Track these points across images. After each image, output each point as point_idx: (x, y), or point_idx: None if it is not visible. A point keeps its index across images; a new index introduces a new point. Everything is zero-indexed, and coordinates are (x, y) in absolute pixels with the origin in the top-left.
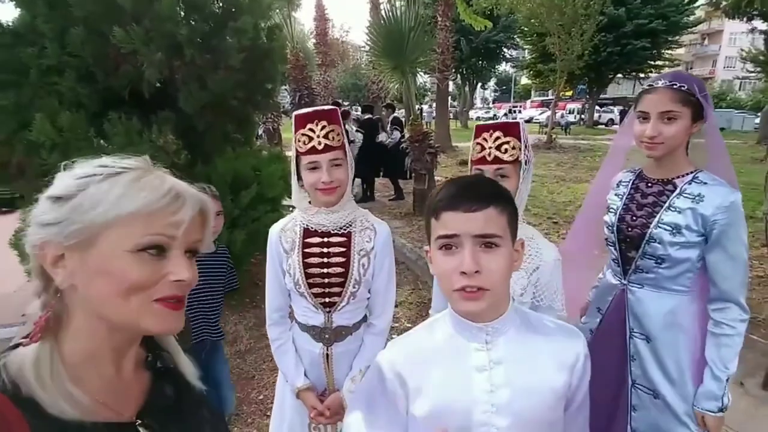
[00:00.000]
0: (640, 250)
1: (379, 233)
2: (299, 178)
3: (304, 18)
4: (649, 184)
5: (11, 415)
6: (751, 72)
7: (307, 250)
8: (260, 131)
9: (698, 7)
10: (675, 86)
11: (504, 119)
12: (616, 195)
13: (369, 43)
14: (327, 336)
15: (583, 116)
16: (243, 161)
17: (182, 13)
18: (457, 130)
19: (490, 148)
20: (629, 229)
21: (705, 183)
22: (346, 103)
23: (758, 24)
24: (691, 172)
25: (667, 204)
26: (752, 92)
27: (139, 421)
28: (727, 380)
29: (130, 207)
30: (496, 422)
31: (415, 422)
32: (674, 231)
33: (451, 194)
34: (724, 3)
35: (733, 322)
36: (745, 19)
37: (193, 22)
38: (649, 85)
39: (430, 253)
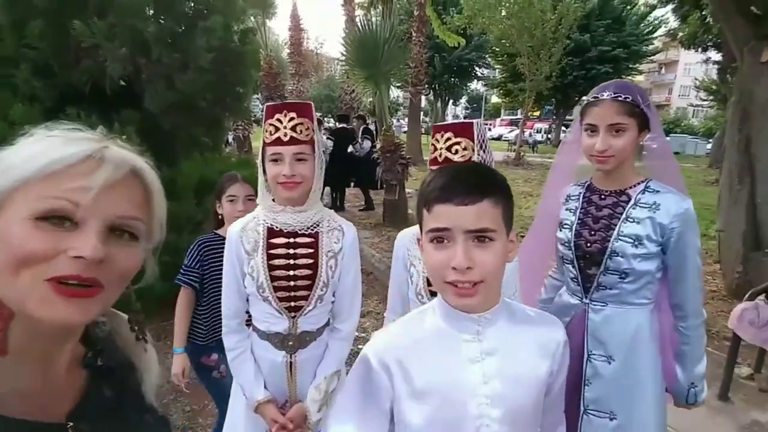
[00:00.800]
0: (602, 265)
1: (346, 234)
2: (264, 171)
3: (279, 28)
4: (602, 197)
5: None
6: (704, 100)
7: (271, 251)
8: (230, 138)
9: (656, 38)
10: (620, 98)
11: None
12: (567, 210)
13: (344, 53)
14: (291, 343)
15: (549, 136)
16: (210, 166)
17: (151, 11)
18: (428, 144)
19: (440, 149)
20: (588, 245)
21: (657, 191)
22: (318, 114)
23: (712, 55)
24: (642, 182)
25: (624, 215)
26: (704, 119)
27: (71, 424)
28: (694, 383)
29: (34, 165)
30: (490, 413)
31: (402, 415)
32: (636, 242)
33: (444, 185)
34: (680, 34)
35: (693, 327)
36: (700, 49)
37: (162, 21)
38: (594, 97)
39: (422, 242)
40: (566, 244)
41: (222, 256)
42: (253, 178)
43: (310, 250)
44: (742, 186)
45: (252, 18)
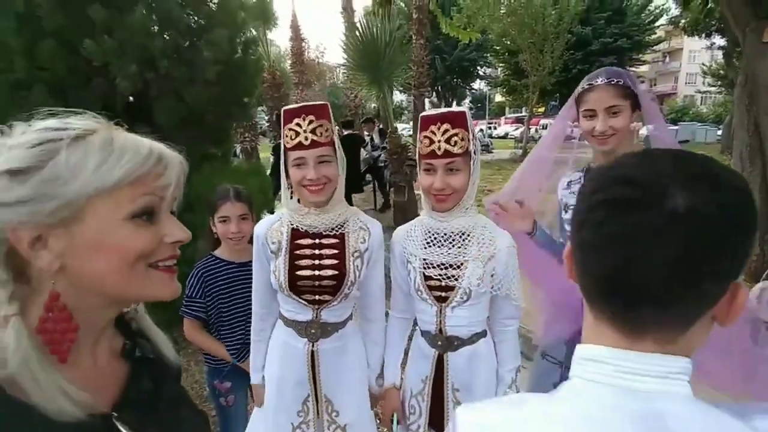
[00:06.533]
0: None
1: (373, 234)
2: (288, 175)
3: (280, 39)
4: None
5: None
6: (712, 86)
7: (297, 252)
8: (237, 150)
9: (659, 27)
10: (613, 82)
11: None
12: (570, 193)
13: (346, 57)
14: (313, 331)
15: None
16: (220, 177)
17: (155, 27)
18: None
19: (439, 141)
20: None
21: None
22: None
23: (717, 40)
24: None
25: None
26: (713, 106)
27: (116, 414)
28: None
29: (116, 175)
30: None
31: None
32: None
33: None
34: (683, 21)
35: None
36: (703, 35)
37: (166, 36)
38: (589, 84)
39: None
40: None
41: (223, 280)
42: (260, 188)
43: (336, 251)
44: (753, 168)
45: (253, 30)
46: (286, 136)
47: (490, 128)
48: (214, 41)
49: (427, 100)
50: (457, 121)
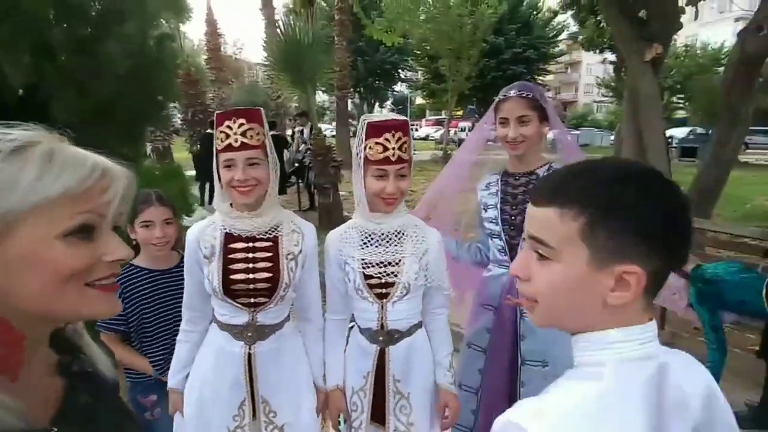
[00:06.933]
0: (525, 232)
1: (306, 236)
2: (219, 178)
3: (194, 33)
4: (516, 178)
5: None
6: (606, 96)
7: (230, 256)
8: (148, 150)
9: (561, 40)
10: (524, 95)
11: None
12: (489, 194)
13: (267, 57)
14: (249, 334)
15: None
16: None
17: (52, 15)
18: None
19: (393, 148)
20: (512, 218)
21: None
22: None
23: (609, 55)
24: (547, 164)
25: None
26: (607, 114)
27: (55, 429)
28: None
29: (55, 190)
30: None
31: None
32: None
33: None
34: (580, 37)
35: None
36: (598, 50)
37: (66, 25)
38: (504, 95)
39: None
40: (493, 221)
41: (145, 289)
42: (179, 190)
43: (270, 254)
44: None
45: (165, 22)
46: (218, 139)
47: (411, 130)
48: (124, 33)
49: (349, 101)
50: (405, 129)
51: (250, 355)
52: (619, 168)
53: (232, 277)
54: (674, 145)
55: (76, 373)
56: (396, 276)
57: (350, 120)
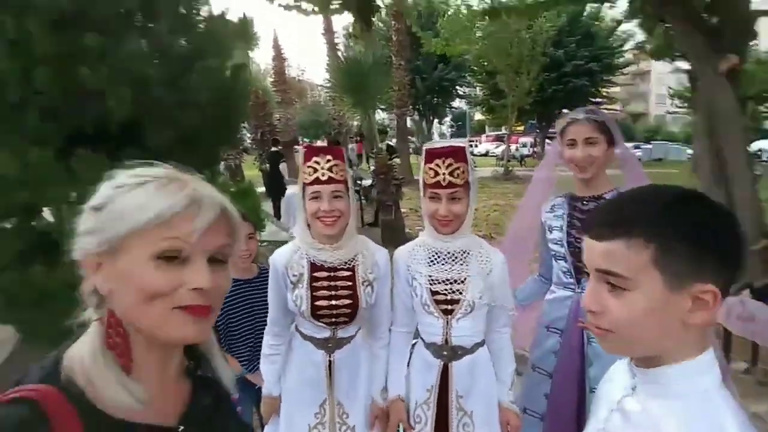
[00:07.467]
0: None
1: (379, 262)
2: (304, 209)
3: (260, 58)
4: (584, 202)
5: (67, 414)
6: (680, 107)
7: (315, 284)
8: (221, 168)
9: (627, 50)
10: (592, 118)
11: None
12: (555, 216)
13: (330, 80)
14: (330, 345)
15: (535, 149)
16: None
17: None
18: (417, 164)
19: (443, 174)
20: (578, 241)
21: None
22: (306, 139)
23: (681, 64)
24: (614, 189)
25: None
26: (683, 126)
27: (182, 427)
28: None
29: (147, 215)
30: None
31: None
32: None
33: None
34: (648, 46)
35: None
36: (669, 60)
37: (156, 62)
38: (572, 119)
39: None
40: (559, 242)
41: (233, 296)
42: (251, 206)
43: (349, 282)
44: (719, 189)
45: (239, 53)
46: (305, 173)
47: (471, 146)
48: (207, 68)
49: (408, 119)
50: (459, 155)
51: (330, 361)
52: (673, 193)
53: (317, 303)
54: (765, 159)
55: (199, 378)
56: (461, 294)
57: (409, 137)
